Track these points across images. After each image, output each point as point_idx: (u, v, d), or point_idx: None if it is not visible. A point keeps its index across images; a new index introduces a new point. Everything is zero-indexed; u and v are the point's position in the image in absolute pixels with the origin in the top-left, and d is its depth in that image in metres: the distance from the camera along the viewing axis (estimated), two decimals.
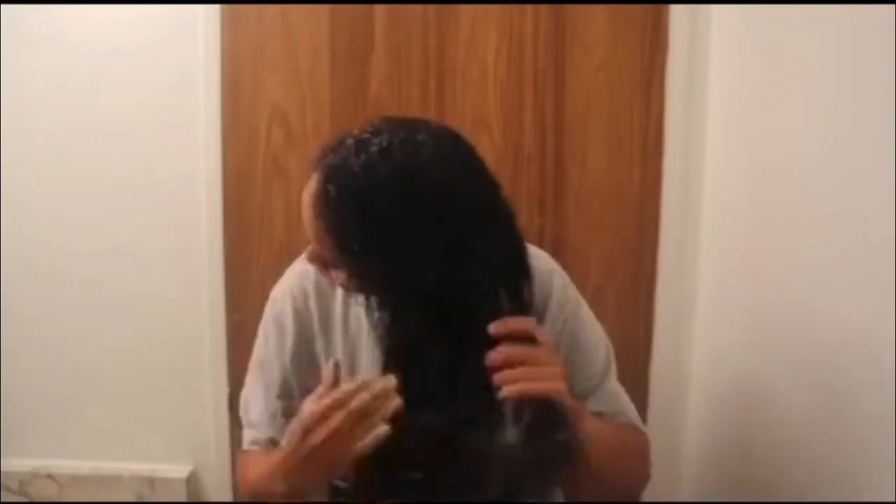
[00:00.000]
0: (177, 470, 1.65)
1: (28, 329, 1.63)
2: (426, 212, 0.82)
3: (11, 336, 1.63)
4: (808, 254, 1.10)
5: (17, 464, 1.64)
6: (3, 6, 1.53)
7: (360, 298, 0.94)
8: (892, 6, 0.88)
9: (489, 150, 1.54)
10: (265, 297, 1.58)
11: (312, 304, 1.03)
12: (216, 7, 1.53)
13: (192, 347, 1.63)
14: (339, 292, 1.03)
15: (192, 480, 1.65)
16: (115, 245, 1.61)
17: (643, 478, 1.03)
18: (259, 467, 0.98)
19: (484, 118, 1.54)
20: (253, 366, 1.09)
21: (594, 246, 1.57)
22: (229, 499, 1.67)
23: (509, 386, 0.79)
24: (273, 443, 1.02)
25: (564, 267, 1.54)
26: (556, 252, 1.54)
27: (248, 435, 1.06)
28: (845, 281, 1.01)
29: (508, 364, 0.80)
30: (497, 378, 0.80)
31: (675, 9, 1.49)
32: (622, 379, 1.56)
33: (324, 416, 0.81)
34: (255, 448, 1.04)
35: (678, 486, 1.54)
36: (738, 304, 1.37)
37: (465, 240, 0.84)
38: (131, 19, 1.54)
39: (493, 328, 0.81)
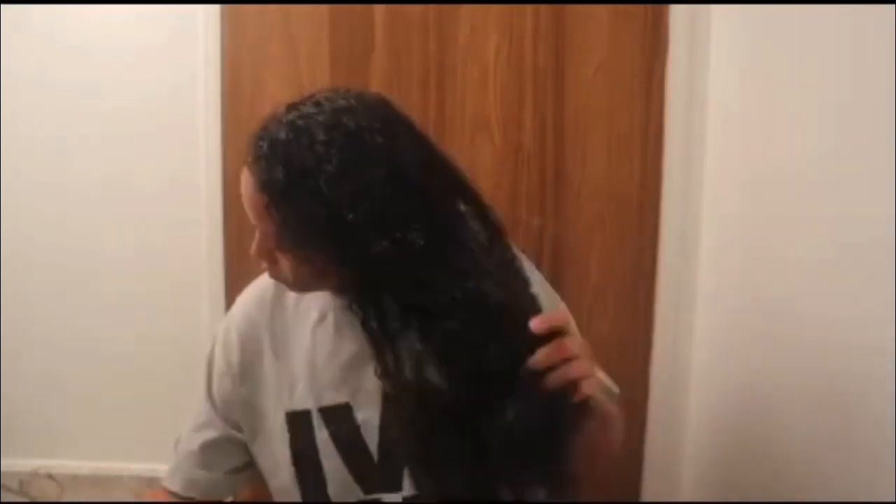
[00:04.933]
0: None
1: (28, 329, 1.64)
2: (357, 164, 0.79)
3: (11, 336, 1.63)
4: (809, 254, 1.10)
5: (17, 464, 1.64)
6: (3, 6, 1.53)
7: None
8: (892, 6, 0.88)
9: (489, 150, 1.54)
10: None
11: (252, 348, 1.00)
12: (216, 7, 1.53)
13: (193, 348, 1.62)
14: (290, 306, 1.00)
15: None
16: (115, 246, 1.61)
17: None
18: None
19: (484, 118, 1.54)
20: (196, 413, 1.07)
21: (594, 246, 1.56)
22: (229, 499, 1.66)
23: (585, 383, 0.73)
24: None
25: (565, 267, 1.56)
26: (556, 252, 1.55)
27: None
28: (846, 281, 1.01)
29: (566, 360, 0.73)
30: (560, 376, 0.73)
31: (675, 9, 1.49)
32: (622, 379, 1.58)
33: None
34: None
35: (678, 486, 1.54)
36: (738, 304, 1.36)
37: (404, 196, 0.80)
38: (131, 19, 1.54)
39: (536, 326, 0.73)
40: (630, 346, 1.57)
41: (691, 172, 1.50)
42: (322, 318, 0.99)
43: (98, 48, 1.56)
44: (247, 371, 1.01)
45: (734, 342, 1.37)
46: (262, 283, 1.03)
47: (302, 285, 0.92)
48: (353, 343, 0.95)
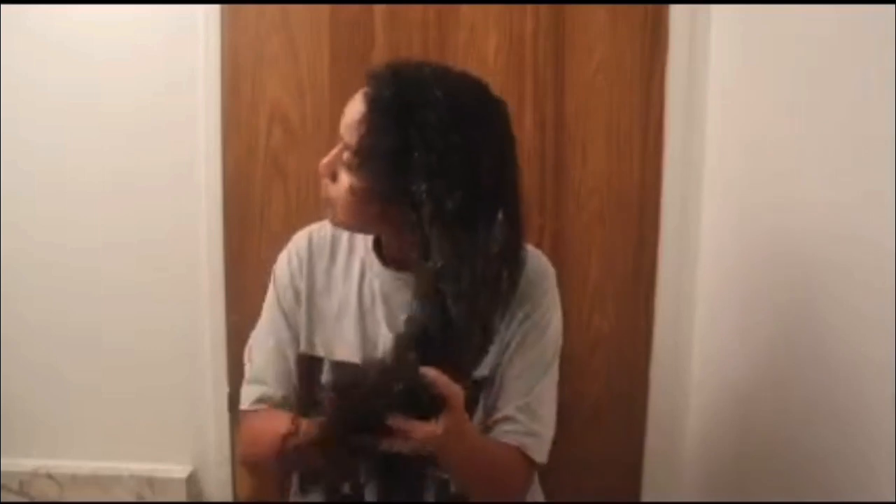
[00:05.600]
0: (177, 470, 1.65)
1: (28, 329, 1.63)
2: (463, 128, 0.90)
3: (12, 336, 1.63)
4: (809, 253, 1.11)
5: (17, 464, 1.64)
6: (3, 6, 1.53)
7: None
8: (892, 6, 0.88)
9: None
10: (265, 297, 1.59)
11: (305, 268, 1.07)
12: (216, 7, 1.53)
13: (193, 347, 1.63)
14: (341, 253, 1.07)
15: (192, 480, 1.65)
16: (116, 245, 1.61)
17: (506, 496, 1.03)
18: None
19: None
20: (263, 322, 1.10)
21: (594, 245, 1.57)
22: (229, 499, 1.67)
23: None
24: (284, 400, 1.04)
25: (564, 266, 1.56)
26: (556, 251, 1.55)
27: (254, 391, 1.05)
28: (845, 281, 1.01)
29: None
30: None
31: (675, 9, 1.50)
32: (622, 379, 1.58)
33: None
34: (262, 406, 1.04)
35: (678, 486, 1.54)
36: (737, 303, 1.37)
37: (485, 167, 0.92)
38: (131, 19, 1.54)
39: (430, 376, 0.83)
40: (630, 344, 1.58)
41: (691, 171, 1.51)
42: (361, 278, 1.06)
43: (98, 48, 1.56)
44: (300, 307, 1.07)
45: (734, 341, 1.37)
46: (323, 229, 1.10)
47: (346, 215, 0.98)
48: (382, 309, 1.03)
